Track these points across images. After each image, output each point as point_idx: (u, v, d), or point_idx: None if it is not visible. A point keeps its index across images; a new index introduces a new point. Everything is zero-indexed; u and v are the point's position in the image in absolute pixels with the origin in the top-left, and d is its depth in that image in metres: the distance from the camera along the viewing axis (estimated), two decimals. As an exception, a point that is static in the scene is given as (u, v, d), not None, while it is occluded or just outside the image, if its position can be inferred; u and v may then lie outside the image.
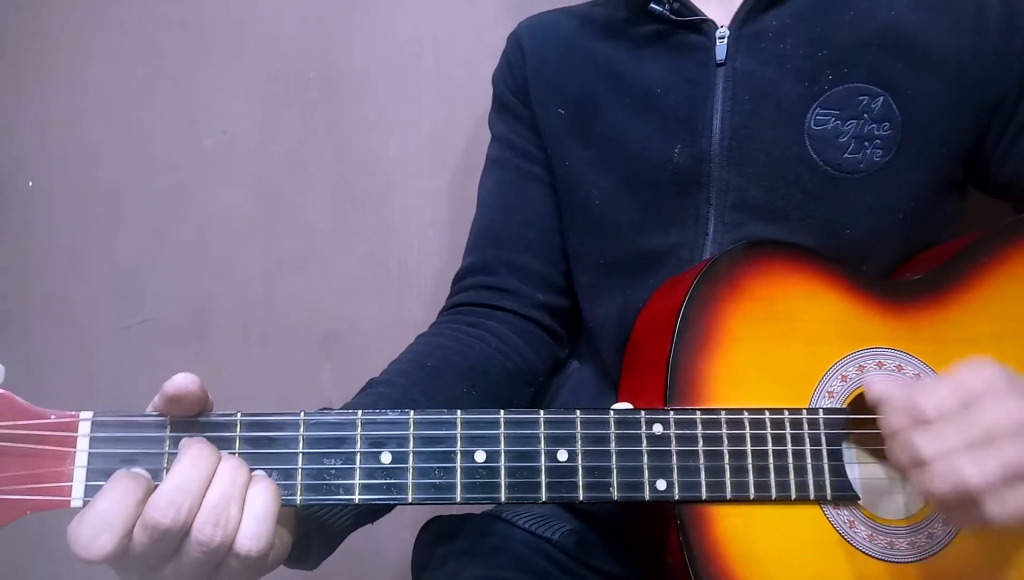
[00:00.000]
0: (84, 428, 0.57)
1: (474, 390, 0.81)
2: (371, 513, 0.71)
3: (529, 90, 0.93)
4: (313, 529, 0.66)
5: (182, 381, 0.56)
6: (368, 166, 1.25)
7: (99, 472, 0.56)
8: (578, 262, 0.92)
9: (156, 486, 0.55)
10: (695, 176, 0.82)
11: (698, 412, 0.64)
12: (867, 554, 0.65)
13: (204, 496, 0.54)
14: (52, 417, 0.56)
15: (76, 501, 0.56)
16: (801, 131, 0.80)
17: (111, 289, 1.28)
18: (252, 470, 0.57)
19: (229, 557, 0.54)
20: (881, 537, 0.66)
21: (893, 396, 0.62)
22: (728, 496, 0.63)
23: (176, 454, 0.55)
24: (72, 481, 0.56)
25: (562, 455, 0.61)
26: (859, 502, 0.66)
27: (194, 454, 0.55)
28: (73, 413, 0.57)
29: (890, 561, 0.66)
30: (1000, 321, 0.72)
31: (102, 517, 0.52)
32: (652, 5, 0.83)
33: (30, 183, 1.30)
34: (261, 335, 1.25)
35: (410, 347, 0.85)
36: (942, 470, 0.57)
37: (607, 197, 0.86)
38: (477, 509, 0.88)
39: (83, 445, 0.56)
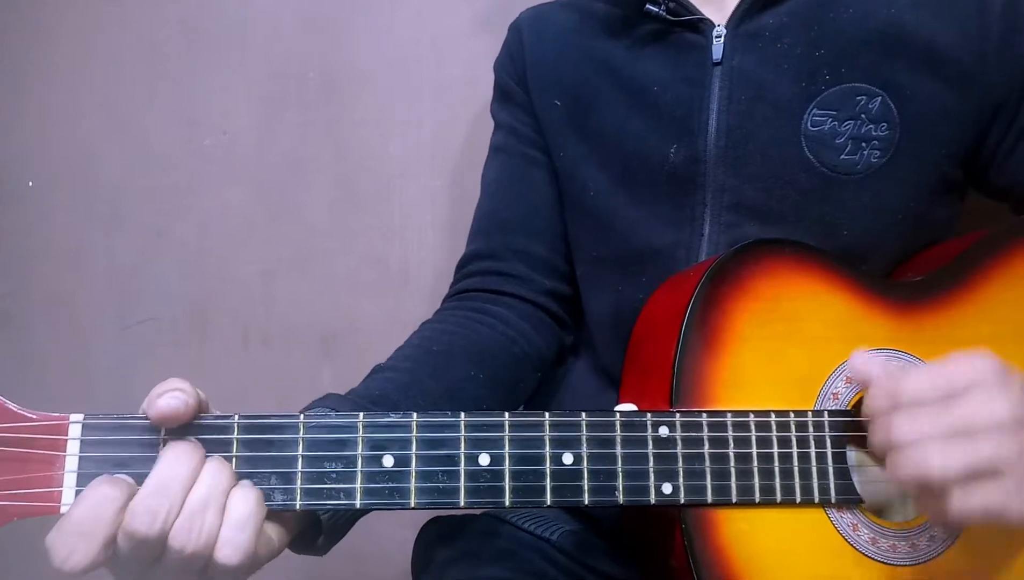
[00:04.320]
0: (74, 431, 0.55)
1: (481, 374, 0.81)
2: None
3: (528, 79, 0.93)
4: (320, 517, 0.65)
5: (167, 406, 0.54)
6: (368, 166, 1.25)
7: (90, 476, 0.54)
8: (576, 253, 0.92)
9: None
10: (691, 176, 0.82)
11: (704, 414, 0.63)
12: (870, 557, 0.65)
13: (184, 500, 0.52)
14: (40, 420, 0.54)
15: (66, 507, 0.53)
16: (798, 132, 0.79)
17: (111, 289, 1.28)
18: (251, 475, 0.56)
19: (210, 565, 0.53)
20: (884, 540, 0.66)
21: (877, 376, 0.61)
22: (734, 500, 0.63)
23: None
24: (62, 486, 0.54)
25: (567, 458, 0.60)
26: (862, 505, 0.66)
27: (173, 456, 0.53)
28: (63, 415, 0.55)
29: (893, 564, 0.65)
30: (1002, 323, 0.72)
31: (78, 528, 0.50)
32: (648, 6, 0.83)
33: (30, 183, 1.30)
34: (261, 335, 1.25)
35: (415, 333, 0.85)
36: (910, 456, 0.56)
37: (602, 192, 0.86)
38: (478, 509, 0.88)
39: (73, 448, 0.54)
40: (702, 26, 0.83)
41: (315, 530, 0.65)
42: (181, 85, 1.27)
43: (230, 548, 0.53)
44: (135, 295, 1.28)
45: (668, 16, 0.83)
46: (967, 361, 0.59)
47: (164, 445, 0.55)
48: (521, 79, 0.94)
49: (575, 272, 0.93)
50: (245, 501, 0.54)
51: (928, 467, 0.55)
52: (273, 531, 0.58)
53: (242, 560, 0.53)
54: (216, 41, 1.27)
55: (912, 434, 0.57)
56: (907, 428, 0.57)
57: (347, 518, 0.67)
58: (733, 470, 0.63)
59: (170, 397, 0.54)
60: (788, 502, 0.64)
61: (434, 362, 0.79)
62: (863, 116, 0.78)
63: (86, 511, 0.51)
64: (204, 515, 0.52)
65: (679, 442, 0.63)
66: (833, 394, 0.68)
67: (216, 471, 0.54)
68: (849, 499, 0.65)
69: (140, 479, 0.54)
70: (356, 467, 0.58)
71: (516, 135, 0.95)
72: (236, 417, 0.57)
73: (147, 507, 0.51)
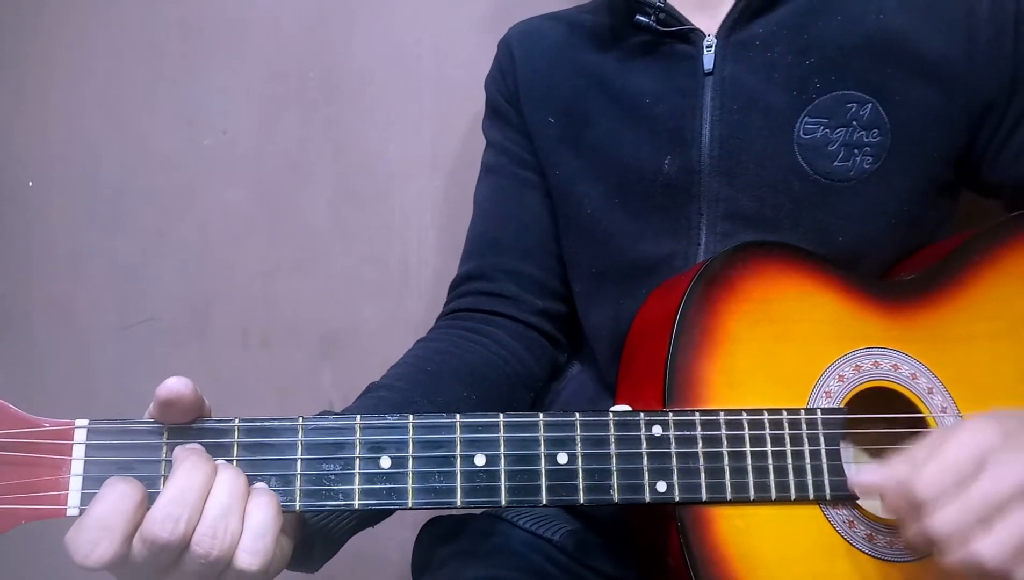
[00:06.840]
0: (80, 436, 0.56)
1: (474, 394, 0.81)
2: (373, 516, 0.71)
3: (520, 97, 0.93)
4: (315, 532, 0.66)
5: (174, 385, 0.55)
6: (368, 166, 1.25)
7: (95, 480, 0.55)
8: (572, 270, 0.92)
9: (151, 493, 0.54)
10: (686, 186, 0.82)
11: (697, 413, 0.64)
12: (866, 553, 0.66)
13: (203, 508, 0.53)
14: (47, 425, 0.55)
15: (72, 510, 0.55)
16: (790, 140, 0.80)
17: (111, 289, 1.28)
18: (251, 477, 0.57)
19: (228, 570, 0.54)
20: (880, 536, 0.66)
21: (887, 484, 0.61)
22: (728, 497, 0.63)
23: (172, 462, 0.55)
24: (68, 490, 0.55)
25: (562, 458, 0.61)
26: (858, 501, 0.66)
27: (190, 465, 0.54)
28: (68, 421, 0.56)
29: (889, 560, 0.66)
30: (995, 319, 0.72)
31: (100, 523, 0.51)
32: (638, 17, 0.83)
33: (30, 183, 1.30)
34: (261, 335, 1.26)
35: (409, 352, 0.85)
36: (957, 553, 0.56)
37: (598, 206, 0.86)
38: (477, 509, 0.88)
39: (79, 453, 0.56)
40: (692, 36, 0.83)
41: (308, 543, 0.65)
42: (181, 85, 1.28)
43: (251, 554, 0.53)
44: (135, 295, 1.28)
45: (658, 27, 0.83)
46: (970, 434, 0.58)
47: (167, 449, 0.56)
48: (513, 97, 0.94)
49: (571, 290, 0.93)
50: (265, 507, 0.55)
51: (981, 560, 0.55)
52: (284, 539, 0.59)
53: (262, 565, 0.54)
54: (216, 41, 1.27)
55: (948, 529, 0.56)
56: (940, 525, 0.56)
57: (341, 534, 0.68)
58: (727, 468, 0.64)
59: (176, 378, 0.56)
60: (783, 499, 0.64)
61: (428, 382, 0.80)
62: (854, 123, 0.79)
63: (107, 507, 0.52)
64: (227, 521, 0.53)
65: (672, 441, 0.63)
66: (826, 392, 0.68)
67: (233, 477, 0.55)
68: (844, 495, 0.65)
69: (145, 481, 0.55)
70: (354, 469, 0.59)
71: (507, 154, 0.95)
72: (236, 420, 0.58)
73: (168, 514, 0.52)
